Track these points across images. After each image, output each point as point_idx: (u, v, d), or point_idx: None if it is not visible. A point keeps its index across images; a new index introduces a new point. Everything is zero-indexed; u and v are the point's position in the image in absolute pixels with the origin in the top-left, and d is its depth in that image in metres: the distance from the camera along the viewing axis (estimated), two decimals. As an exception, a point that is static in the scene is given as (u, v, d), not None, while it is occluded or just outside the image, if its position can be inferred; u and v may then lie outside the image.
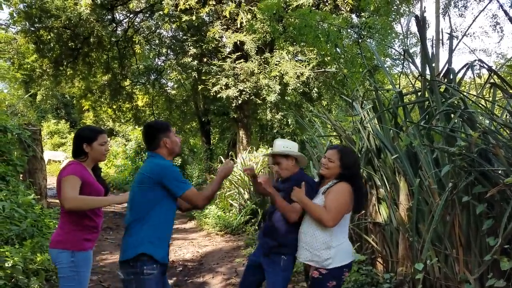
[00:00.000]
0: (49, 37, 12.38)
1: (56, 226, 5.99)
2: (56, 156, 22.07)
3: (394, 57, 11.30)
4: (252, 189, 8.16)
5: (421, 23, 3.91)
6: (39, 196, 6.94)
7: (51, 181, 15.76)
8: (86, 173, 2.78)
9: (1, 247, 4.10)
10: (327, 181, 2.95)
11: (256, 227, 7.74)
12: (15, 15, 11.79)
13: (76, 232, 2.71)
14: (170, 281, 5.12)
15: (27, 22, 11.93)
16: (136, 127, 18.02)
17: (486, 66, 3.47)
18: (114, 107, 15.40)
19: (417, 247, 3.64)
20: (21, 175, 6.79)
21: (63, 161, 21.47)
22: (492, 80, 3.60)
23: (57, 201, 10.15)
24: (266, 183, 2.92)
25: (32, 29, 12.09)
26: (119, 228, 8.61)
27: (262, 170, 8.47)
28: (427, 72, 3.99)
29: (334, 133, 5.92)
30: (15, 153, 6.56)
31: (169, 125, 2.76)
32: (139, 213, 2.56)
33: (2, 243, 4.30)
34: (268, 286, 2.98)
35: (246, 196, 8.28)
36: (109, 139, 22.37)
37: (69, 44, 12.77)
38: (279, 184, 3.13)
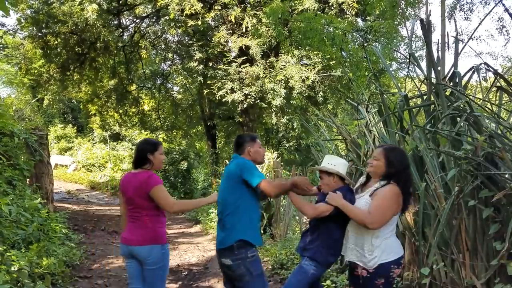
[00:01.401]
0: (56, 42, 12.48)
1: (63, 230, 6.08)
2: (63, 160, 22.17)
3: (400, 61, 11.28)
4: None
5: (427, 26, 3.89)
6: (45, 200, 6.98)
7: (58, 186, 15.86)
8: None
9: (8, 251, 4.12)
10: (373, 181, 2.92)
11: (262, 231, 7.71)
12: (22, 20, 11.91)
13: (160, 229, 3.19)
14: (176, 285, 5.12)
15: (34, 28, 12.04)
16: (142, 131, 18.07)
17: (492, 69, 3.45)
18: (121, 111, 15.48)
19: (423, 251, 3.61)
20: (27, 180, 6.84)
21: (69, 165, 21.57)
22: (498, 84, 3.58)
23: (64, 205, 10.14)
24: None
25: (39, 34, 12.22)
26: (125, 232, 8.62)
27: (267, 174, 8.45)
28: (433, 75, 3.97)
29: (340, 137, 5.91)
30: (22, 157, 6.60)
31: (256, 137, 3.24)
32: (231, 207, 2.98)
33: (8, 247, 4.32)
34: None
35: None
36: (115, 143, 22.54)
37: (76, 49, 12.88)
38: (321, 196, 3.15)
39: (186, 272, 5.78)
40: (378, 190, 2.83)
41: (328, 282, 4.47)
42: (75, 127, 25.92)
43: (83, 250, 6.35)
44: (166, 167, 16.72)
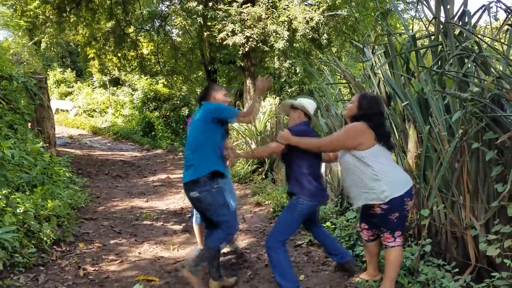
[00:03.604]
0: (51, -19, 11.99)
1: (67, 173, 6.17)
2: (64, 105, 22.04)
3: (407, 0, 10.86)
4: (259, 139, 8.16)
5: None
6: (47, 145, 7.00)
7: (60, 131, 15.89)
8: None
9: (12, 194, 4.17)
10: None
11: (263, 176, 7.80)
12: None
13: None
14: (180, 227, 5.25)
15: (27, -34, 11.52)
16: (142, 76, 17.81)
17: (505, 6, 3.28)
18: (119, 55, 15.16)
19: (424, 194, 3.64)
20: (29, 124, 6.81)
21: (70, 110, 21.50)
22: (510, 22, 3.43)
23: (67, 150, 10.26)
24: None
25: (33, -27, 11.70)
26: (129, 176, 8.74)
27: (270, 120, 8.41)
28: (442, 14, 3.80)
29: (344, 81, 5.79)
30: (22, 101, 6.53)
31: (219, 85, 3.66)
32: (201, 144, 3.30)
33: (13, 190, 4.37)
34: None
35: (253, 146, 8.29)
36: (115, 88, 22.29)
37: (71, -11, 12.39)
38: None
39: (190, 215, 5.90)
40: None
41: (328, 223, 4.57)
42: (74, 71, 25.53)
43: (88, 193, 6.45)
44: (168, 113, 16.66)
